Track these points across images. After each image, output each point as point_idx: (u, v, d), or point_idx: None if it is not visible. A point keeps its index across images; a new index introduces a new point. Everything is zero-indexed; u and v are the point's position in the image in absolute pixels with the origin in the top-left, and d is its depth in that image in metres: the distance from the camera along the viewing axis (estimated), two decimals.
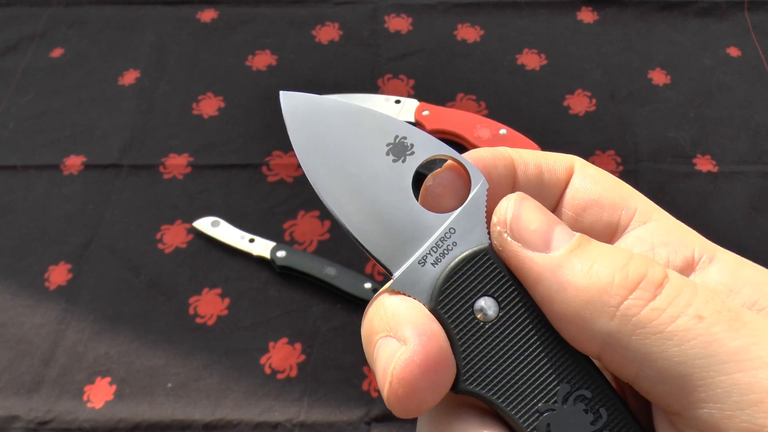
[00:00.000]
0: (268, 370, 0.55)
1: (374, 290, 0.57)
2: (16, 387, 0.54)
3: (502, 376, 0.19)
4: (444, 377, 0.19)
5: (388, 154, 0.21)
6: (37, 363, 0.56)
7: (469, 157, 0.21)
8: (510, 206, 0.20)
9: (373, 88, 0.74)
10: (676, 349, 0.17)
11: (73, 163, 0.69)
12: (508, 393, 0.19)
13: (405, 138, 0.21)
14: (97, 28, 0.82)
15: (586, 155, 0.68)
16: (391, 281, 0.20)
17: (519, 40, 0.79)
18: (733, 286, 0.19)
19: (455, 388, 0.20)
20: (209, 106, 0.73)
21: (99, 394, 0.54)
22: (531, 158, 0.22)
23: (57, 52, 0.79)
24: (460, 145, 0.68)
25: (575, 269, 0.18)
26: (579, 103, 0.72)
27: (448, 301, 0.20)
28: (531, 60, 0.77)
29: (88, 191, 0.67)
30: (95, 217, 0.65)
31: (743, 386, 0.16)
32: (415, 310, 0.20)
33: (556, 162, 0.22)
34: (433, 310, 0.20)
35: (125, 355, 0.56)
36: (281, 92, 0.22)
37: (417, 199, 0.21)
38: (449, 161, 0.21)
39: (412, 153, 0.21)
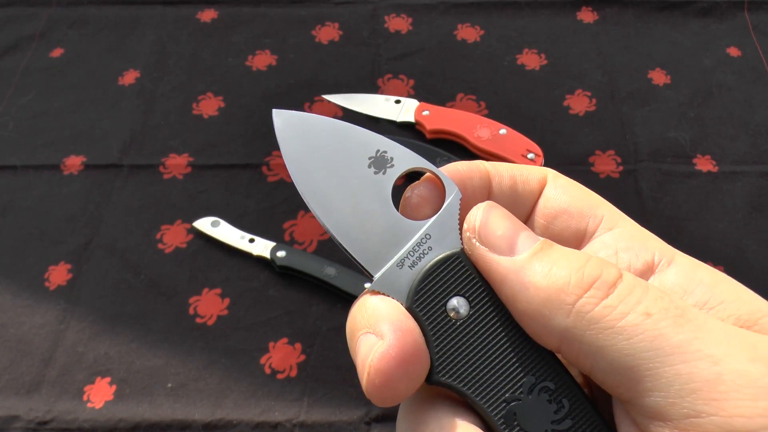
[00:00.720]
0: (268, 370, 0.55)
1: None
2: (16, 387, 0.54)
3: (472, 369, 0.21)
4: (417, 369, 0.21)
5: (369, 166, 0.23)
6: (37, 363, 0.56)
7: (445, 170, 0.23)
8: (479, 214, 0.22)
9: (373, 88, 0.74)
10: (625, 343, 0.18)
11: (73, 163, 0.69)
12: (478, 384, 0.21)
13: (385, 152, 0.23)
14: (97, 28, 0.82)
15: (586, 155, 0.68)
16: (372, 282, 0.22)
17: (519, 40, 0.79)
18: (687, 287, 0.21)
19: (429, 379, 0.21)
20: (209, 106, 0.73)
21: (99, 394, 0.54)
22: (505, 171, 0.24)
23: (57, 52, 0.79)
24: (461, 145, 0.68)
25: (536, 271, 0.20)
26: (579, 103, 0.72)
27: (423, 300, 0.22)
28: (531, 60, 0.77)
29: (88, 191, 0.67)
30: (95, 217, 0.65)
31: (684, 376, 0.18)
32: (392, 308, 0.21)
33: (530, 174, 0.24)
34: (410, 309, 0.22)
35: (125, 355, 0.56)
36: (274, 110, 0.24)
37: (397, 207, 0.23)
38: (427, 173, 0.23)
39: (392, 166, 0.23)
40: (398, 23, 0.81)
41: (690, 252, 0.23)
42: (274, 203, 0.65)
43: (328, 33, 0.80)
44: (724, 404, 0.17)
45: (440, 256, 0.22)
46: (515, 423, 0.21)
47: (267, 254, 0.60)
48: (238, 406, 0.53)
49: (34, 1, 0.84)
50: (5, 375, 0.55)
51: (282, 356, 0.55)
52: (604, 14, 0.81)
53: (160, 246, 0.62)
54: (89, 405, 0.53)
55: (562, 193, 0.23)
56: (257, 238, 0.61)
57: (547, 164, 0.66)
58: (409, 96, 0.73)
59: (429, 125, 0.68)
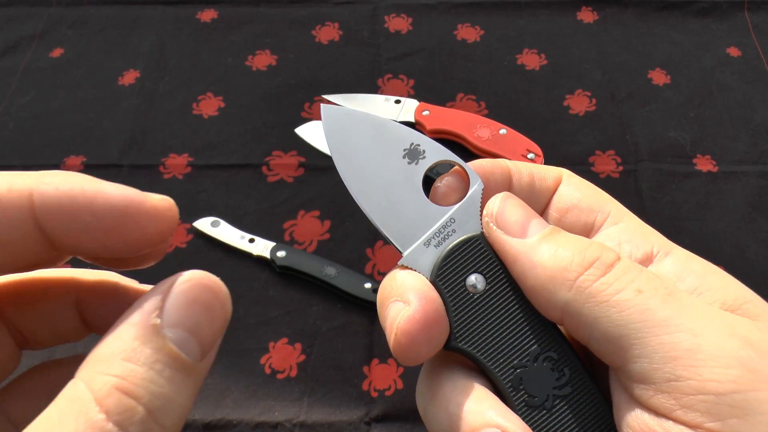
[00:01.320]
0: (268, 370, 0.55)
1: (374, 290, 0.57)
2: None
3: (486, 337, 0.24)
4: (438, 333, 0.23)
5: (404, 157, 0.26)
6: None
7: (471, 165, 0.26)
8: (497, 202, 0.24)
9: (373, 88, 0.74)
10: (618, 315, 0.21)
11: (73, 163, 0.69)
12: (490, 351, 0.24)
13: (419, 145, 0.26)
14: (97, 28, 0.82)
15: (586, 155, 0.68)
16: (402, 258, 0.25)
17: (519, 40, 0.79)
18: (680, 275, 0.23)
19: (448, 345, 0.24)
20: (209, 106, 0.73)
21: None
22: (525, 168, 0.26)
23: (57, 52, 0.79)
24: (461, 145, 0.68)
25: (544, 251, 0.23)
26: (579, 103, 0.72)
27: (446, 275, 0.24)
28: (531, 60, 0.77)
29: None
30: None
31: (667, 345, 0.20)
32: (418, 280, 0.24)
33: (547, 172, 0.27)
34: (433, 282, 0.24)
35: None
36: (322, 105, 0.27)
37: (427, 194, 0.26)
38: (455, 167, 0.26)
39: (424, 157, 0.26)
40: (398, 23, 0.81)
41: (690, 252, 0.24)
42: (274, 203, 0.65)
43: (328, 33, 0.80)
44: (701, 370, 0.20)
45: (462, 238, 0.25)
46: (521, 387, 0.23)
47: (267, 254, 0.60)
48: (238, 406, 0.53)
49: (34, 1, 0.85)
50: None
51: (282, 356, 0.55)
52: (604, 14, 0.81)
53: None
54: None
55: (574, 190, 0.26)
56: (257, 238, 0.61)
57: (547, 164, 0.66)
58: (409, 96, 0.73)
59: (429, 125, 0.68)
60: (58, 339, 0.24)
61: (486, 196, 0.25)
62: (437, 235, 0.25)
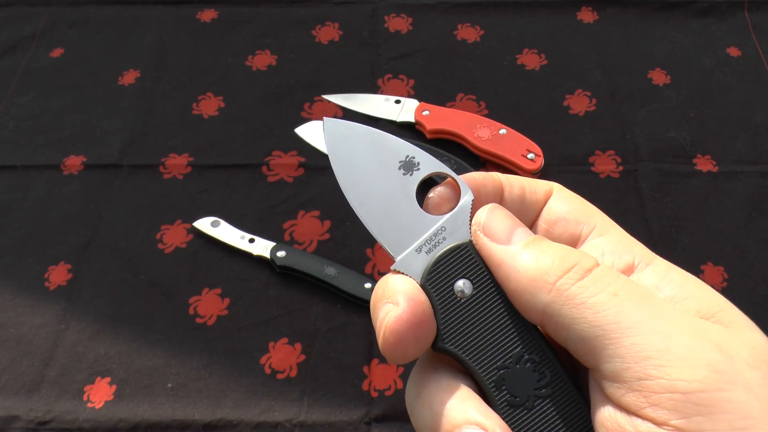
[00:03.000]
0: (268, 370, 0.55)
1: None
2: (16, 387, 0.54)
3: (471, 339, 0.25)
4: (424, 333, 0.25)
5: (399, 169, 0.27)
6: (37, 363, 0.56)
7: (463, 177, 0.27)
8: (484, 212, 0.26)
9: (373, 88, 0.74)
10: (593, 317, 0.22)
11: (73, 163, 0.69)
12: (475, 352, 0.25)
13: (413, 157, 0.27)
14: (97, 28, 0.82)
15: (586, 155, 0.68)
16: (395, 263, 0.26)
17: (519, 40, 0.79)
18: (659, 285, 0.24)
19: (435, 345, 0.25)
20: (209, 106, 0.73)
21: (99, 394, 0.54)
22: (516, 182, 0.28)
23: (57, 52, 0.79)
24: (461, 145, 0.68)
25: (526, 257, 0.24)
26: (579, 103, 0.72)
27: (435, 280, 0.26)
28: (531, 60, 0.77)
29: (88, 191, 0.67)
30: (95, 217, 0.65)
31: (639, 346, 0.21)
32: (408, 284, 0.25)
33: (538, 186, 0.28)
34: (423, 286, 0.26)
35: (125, 355, 0.56)
36: (325, 118, 0.28)
37: (420, 203, 0.27)
38: (447, 178, 0.27)
39: (418, 169, 0.27)
40: (398, 23, 0.81)
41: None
42: (274, 203, 0.65)
43: (328, 33, 0.80)
44: (669, 370, 0.21)
45: (452, 245, 0.26)
46: (504, 387, 0.24)
47: (267, 254, 0.60)
48: (238, 406, 0.53)
49: (34, 1, 0.85)
50: (5, 375, 0.55)
51: (282, 356, 0.55)
52: (604, 14, 0.81)
53: (160, 246, 0.62)
54: (89, 405, 0.53)
55: (562, 203, 0.27)
56: (257, 238, 0.61)
57: (547, 164, 0.66)
58: (409, 96, 0.73)
59: (429, 125, 0.68)
60: None
61: (476, 206, 0.26)
62: (428, 242, 0.26)
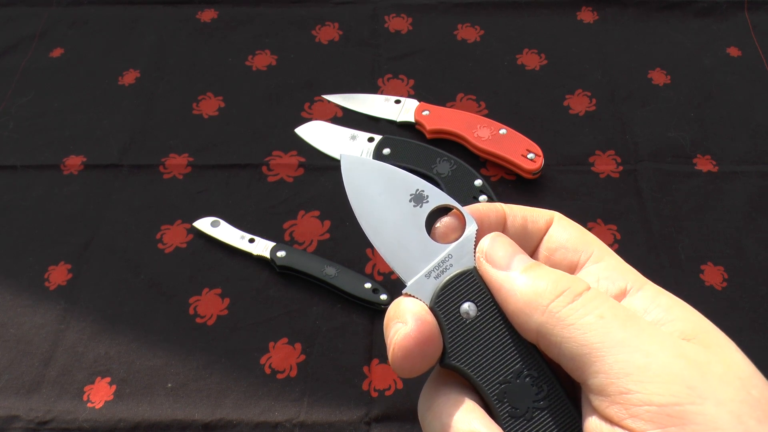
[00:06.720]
0: (268, 370, 0.55)
1: (374, 290, 0.57)
2: (16, 387, 0.54)
3: (476, 356, 0.27)
4: (431, 350, 0.27)
5: (410, 201, 0.30)
6: (37, 363, 0.56)
7: (468, 208, 0.30)
8: (487, 241, 0.28)
9: (373, 88, 0.74)
10: (581, 336, 0.24)
11: (73, 163, 0.69)
12: (479, 369, 0.27)
13: (423, 191, 0.30)
14: (97, 28, 0.82)
15: (586, 155, 0.68)
16: (406, 287, 0.29)
17: (519, 40, 0.79)
18: (647, 308, 0.26)
19: (443, 362, 0.28)
20: (209, 106, 0.73)
21: (99, 394, 0.54)
22: (519, 211, 0.30)
23: (57, 52, 0.79)
24: (461, 145, 0.68)
25: (523, 282, 0.27)
26: (579, 103, 0.72)
27: (443, 302, 0.28)
28: (531, 60, 0.77)
29: (88, 191, 0.67)
30: (95, 217, 0.65)
31: (621, 363, 0.23)
32: (417, 306, 0.28)
33: (539, 215, 0.30)
34: (432, 308, 0.28)
35: (125, 355, 0.56)
36: (341, 154, 0.31)
37: (428, 233, 0.30)
38: (454, 210, 0.30)
39: (427, 201, 0.30)
40: (398, 23, 0.81)
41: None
42: (274, 203, 0.65)
43: (328, 33, 0.80)
44: (648, 385, 0.23)
45: (458, 271, 0.28)
46: (506, 400, 0.27)
47: (267, 254, 0.60)
48: (238, 406, 0.53)
49: (34, 1, 0.85)
50: (5, 375, 0.55)
51: (282, 356, 0.55)
52: (604, 14, 0.81)
53: (160, 246, 0.62)
54: (89, 405, 0.53)
55: (562, 232, 0.30)
56: (257, 238, 0.61)
57: (547, 164, 0.66)
58: (409, 96, 0.73)
59: (429, 125, 0.68)
60: None
61: (480, 235, 0.29)
62: (437, 268, 0.29)
